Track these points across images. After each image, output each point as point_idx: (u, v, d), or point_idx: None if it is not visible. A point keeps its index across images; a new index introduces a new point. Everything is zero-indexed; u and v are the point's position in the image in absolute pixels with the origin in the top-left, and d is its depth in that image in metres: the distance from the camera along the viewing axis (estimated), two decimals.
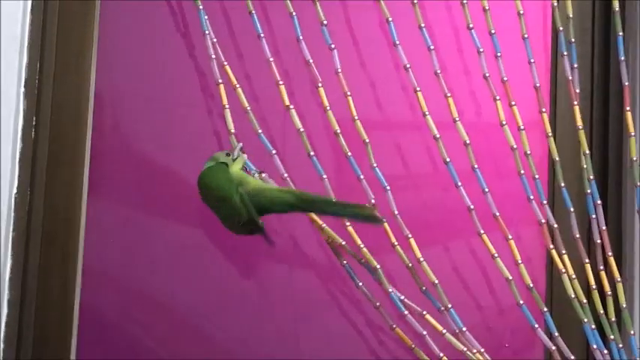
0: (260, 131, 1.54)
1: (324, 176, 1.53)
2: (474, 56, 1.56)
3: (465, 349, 1.50)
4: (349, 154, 1.53)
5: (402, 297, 1.52)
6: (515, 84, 1.56)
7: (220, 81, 1.56)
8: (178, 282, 1.63)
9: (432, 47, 1.55)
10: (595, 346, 1.51)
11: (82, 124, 1.61)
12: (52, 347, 1.57)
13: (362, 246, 1.51)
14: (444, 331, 1.50)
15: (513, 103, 1.55)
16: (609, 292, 1.53)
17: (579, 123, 1.56)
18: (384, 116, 1.64)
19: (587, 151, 1.55)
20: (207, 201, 1.48)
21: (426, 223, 1.61)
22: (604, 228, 1.55)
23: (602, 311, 1.52)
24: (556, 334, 1.51)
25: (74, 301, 1.59)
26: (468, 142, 1.53)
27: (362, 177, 1.52)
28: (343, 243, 1.53)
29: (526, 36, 1.57)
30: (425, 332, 1.50)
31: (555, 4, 1.60)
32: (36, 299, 1.56)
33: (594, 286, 1.53)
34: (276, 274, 1.64)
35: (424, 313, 1.51)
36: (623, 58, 1.56)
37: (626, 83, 1.56)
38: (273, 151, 1.53)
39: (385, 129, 1.62)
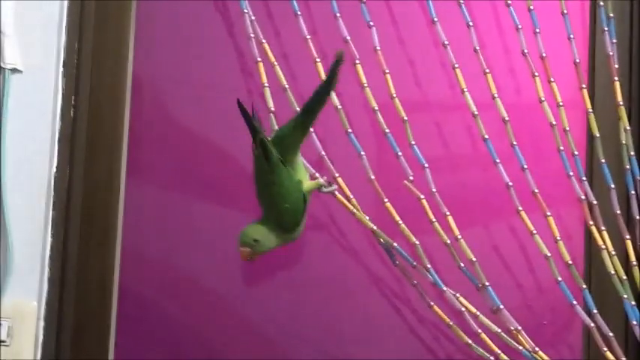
0: (299, 109, 1.54)
1: (362, 153, 1.53)
2: (513, 32, 1.56)
3: (499, 330, 1.50)
4: (387, 131, 1.53)
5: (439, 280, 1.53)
6: (554, 60, 1.56)
7: (259, 59, 1.56)
8: (216, 262, 1.64)
9: (470, 24, 1.55)
10: (635, 322, 1.50)
11: (120, 104, 1.62)
12: (92, 325, 1.58)
13: (400, 223, 1.51)
14: (478, 313, 1.51)
15: (552, 79, 1.55)
16: None
17: (619, 99, 1.55)
18: (422, 94, 1.64)
19: (628, 127, 1.55)
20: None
21: (464, 201, 1.61)
22: None
23: None
24: (595, 311, 1.51)
25: (114, 279, 1.60)
26: (507, 119, 1.53)
27: (400, 154, 1.52)
28: (375, 228, 1.53)
29: (565, 12, 1.56)
30: (463, 309, 1.50)
31: None
32: (76, 277, 1.58)
33: (634, 262, 1.52)
34: (314, 254, 1.64)
35: (457, 295, 1.51)
36: None
37: None
38: (311, 129, 1.53)
39: (424, 107, 1.62)
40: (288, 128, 1.44)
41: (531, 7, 1.55)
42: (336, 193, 1.53)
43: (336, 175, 1.54)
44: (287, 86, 1.55)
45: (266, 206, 1.44)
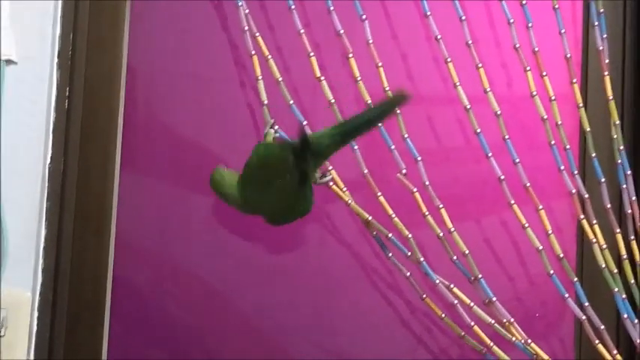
0: (292, 102, 1.55)
1: (356, 147, 1.54)
2: (505, 27, 1.56)
3: (493, 321, 1.51)
4: (380, 124, 1.53)
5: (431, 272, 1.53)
6: (547, 55, 1.56)
7: (253, 52, 1.57)
8: (210, 254, 1.65)
9: (463, 18, 1.55)
10: (626, 316, 1.51)
11: (114, 95, 1.62)
12: (86, 316, 1.59)
13: (393, 216, 1.52)
14: (472, 304, 1.51)
15: (544, 73, 1.55)
16: None
17: (609, 94, 1.56)
18: (415, 87, 1.65)
19: (618, 122, 1.55)
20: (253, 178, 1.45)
21: (457, 195, 1.62)
22: (634, 198, 1.55)
23: (632, 281, 1.53)
24: (586, 303, 1.51)
25: (108, 270, 1.61)
26: (499, 112, 1.54)
27: (393, 147, 1.53)
28: (370, 218, 1.54)
29: (557, 6, 1.57)
30: (456, 301, 1.51)
31: None
32: (70, 268, 1.58)
33: (625, 256, 1.53)
34: (308, 247, 1.65)
35: (452, 286, 1.52)
36: None
37: None
38: (305, 122, 1.54)
39: (416, 100, 1.63)
40: (323, 145, 1.40)
41: (524, 2, 1.56)
42: (331, 184, 1.54)
43: (330, 168, 1.54)
44: (280, 79, 1.55)
45: (262, 194, 1.44)
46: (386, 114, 1.44)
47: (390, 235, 1.53)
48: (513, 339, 1.50)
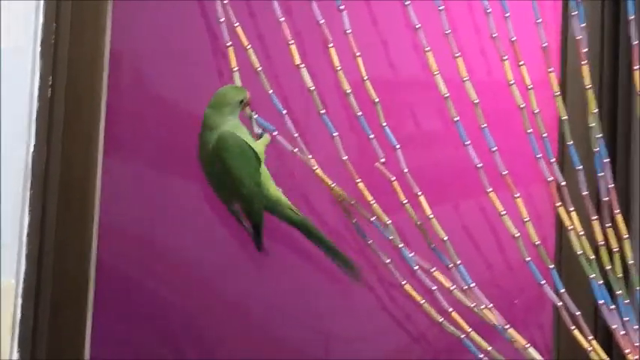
0: (271, 91, 1.56)
1: (335, 134, 1.55)
2: (484, 16, 1.57)
3: (473, 304, 1.52)
4: (359, 113, 1.54)
5: (412, 254, 1.54)
6: (527, 43, 1.57)
7: (230, 44, 1.58)
8: (194, 238, 1.66)
9: (441, 7, 1.56)
10: (602, 302, 1.53)
11: (98, 83, 1.62)
12: (69, 303, 1.60)
13: (373, 202, 1.53)
14: (453, 287, 1.53)
15: (522, 62, 1.56)
16: (616, 249, 1.55)
17: (587, 82, 1.56)
18: (394, 76, 1.66)
19: (595, 110, 1.56)
20: (219, 176, 1.52)
21: (435, 182, 1.63)
22: (611, 186, 1.56)
23: (609, 267, 1.54)
24: (562, 290, 1.53)
25: (91, 257, 1.61)
26: (476, 101, 1.55)
27: (372, 136, 1.54)
28: (353, 202, 1.55)
29: None
30: (435, 287, 1.53)
31: None
32: (53, 254, 1.59)
33: (602, 243, 1.55)
34: (292, 231, 1.65)
35: (433, 269, 1.53)
36: (632, 17, 1.57)
37: (635, 42, 1.56)
38: (284, 111, 1.55)
39: (396, 88, 1.64)
40: (285, 214, 1.55)
41: None
42: (315, 168, 1.55)
43: (309, 156, 1.55)
44: (260, 68, 1.56)
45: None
46: (337, 258, 1.56)
47: (372, 218, 1.54)
48: (493, 322, 1.52)
